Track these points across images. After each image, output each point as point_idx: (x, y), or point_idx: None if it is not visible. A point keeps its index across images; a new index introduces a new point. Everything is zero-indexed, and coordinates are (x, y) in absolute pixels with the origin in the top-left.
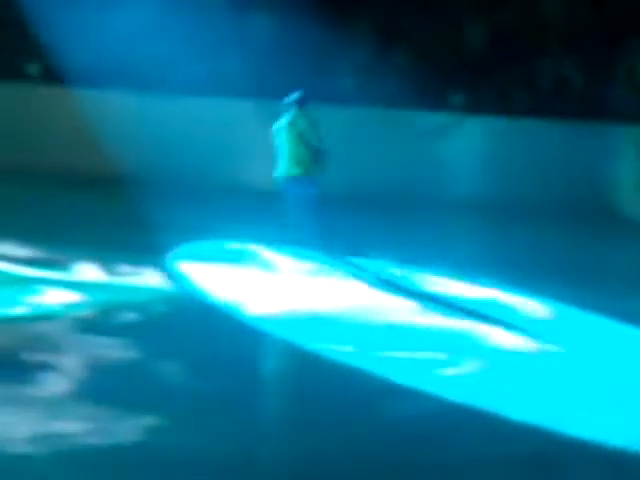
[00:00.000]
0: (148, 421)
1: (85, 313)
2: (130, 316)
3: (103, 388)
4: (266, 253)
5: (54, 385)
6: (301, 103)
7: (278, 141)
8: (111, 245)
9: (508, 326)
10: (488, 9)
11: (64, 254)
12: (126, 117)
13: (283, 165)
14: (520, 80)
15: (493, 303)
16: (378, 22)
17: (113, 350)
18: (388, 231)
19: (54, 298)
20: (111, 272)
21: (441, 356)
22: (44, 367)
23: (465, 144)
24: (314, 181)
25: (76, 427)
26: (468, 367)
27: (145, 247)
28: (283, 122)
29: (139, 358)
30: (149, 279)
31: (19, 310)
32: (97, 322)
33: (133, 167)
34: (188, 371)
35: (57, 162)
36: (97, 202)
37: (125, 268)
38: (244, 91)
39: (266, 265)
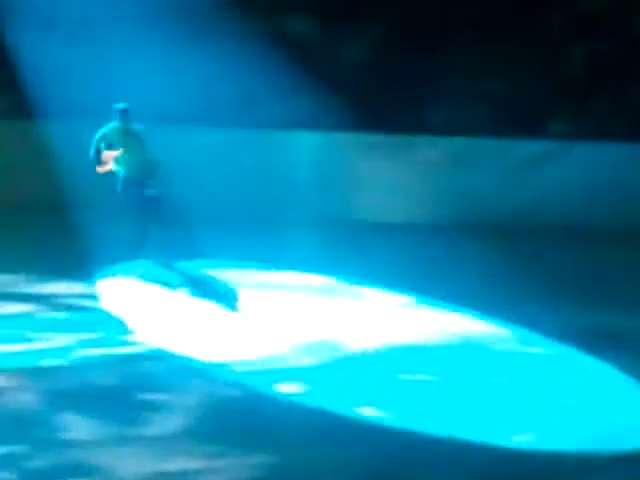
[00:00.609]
0: (259, 458)
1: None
2: None
3: (213, 426)
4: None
5: (165, 424)
6: (125, 114)
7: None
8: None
9: None
10: (585, 35)
11: None
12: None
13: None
14: (619, 106)
15: None
16: (473, 49)
17: (218, 388)
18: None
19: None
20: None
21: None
22: (154, 406)
23: (565, 172)
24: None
25: (188, 465)
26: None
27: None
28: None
29: (242, 395)
30: None
31: (124, 349)
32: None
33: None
34: (291, 407)
35: None
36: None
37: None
38: (342, 123)
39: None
